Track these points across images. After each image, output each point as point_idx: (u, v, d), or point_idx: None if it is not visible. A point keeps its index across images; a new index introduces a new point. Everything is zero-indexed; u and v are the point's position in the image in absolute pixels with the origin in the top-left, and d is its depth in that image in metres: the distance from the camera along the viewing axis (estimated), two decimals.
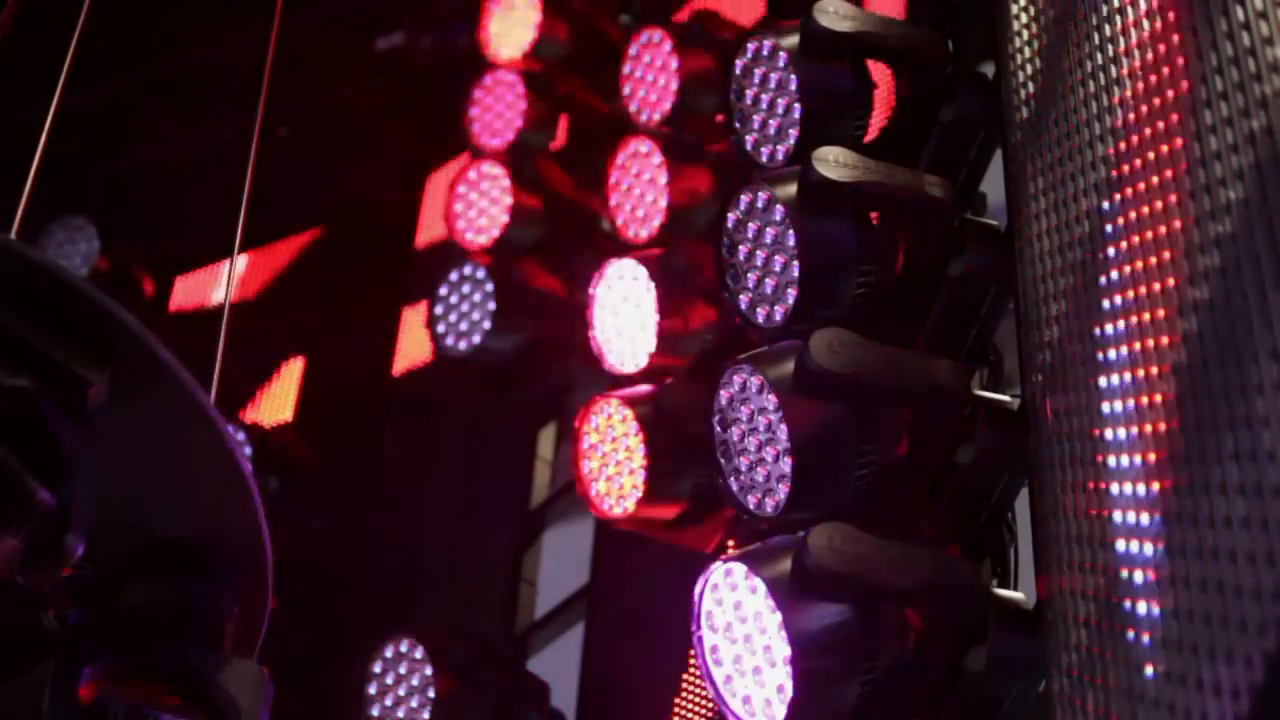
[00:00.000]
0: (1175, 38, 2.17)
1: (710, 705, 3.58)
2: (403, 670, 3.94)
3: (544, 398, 4.77)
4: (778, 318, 2.81)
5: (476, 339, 4.53)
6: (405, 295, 5.31)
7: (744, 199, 2.86)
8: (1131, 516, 2.07)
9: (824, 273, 2.77)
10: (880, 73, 2.99)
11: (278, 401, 5.31)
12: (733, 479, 2.72)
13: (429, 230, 5.39)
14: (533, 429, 4.78)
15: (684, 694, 3.68)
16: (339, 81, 6.01)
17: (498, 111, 4.85)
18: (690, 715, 3.64)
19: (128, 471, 2.03)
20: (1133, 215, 2.22)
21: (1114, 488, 2.13)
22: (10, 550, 1.89)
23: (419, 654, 3.93)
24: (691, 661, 3.64)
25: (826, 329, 2.62)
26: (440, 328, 4.58)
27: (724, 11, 4.44)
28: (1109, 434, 2.18)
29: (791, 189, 2.78)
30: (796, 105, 2.96)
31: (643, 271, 3.78)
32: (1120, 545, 2.09)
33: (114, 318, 1.98)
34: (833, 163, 2.75)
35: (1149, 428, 2.06)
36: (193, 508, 2.14)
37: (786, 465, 2.63)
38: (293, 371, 5.44)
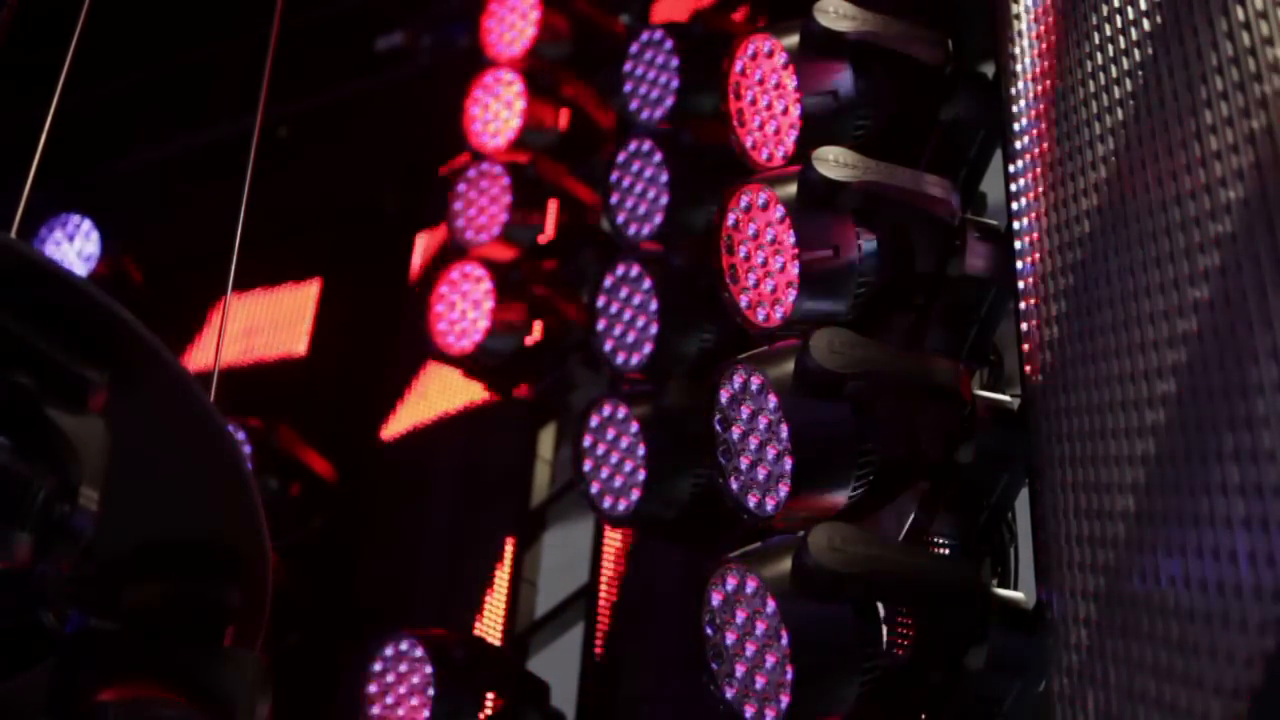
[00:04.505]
0: (1175, 37, 2.17)
1: (710, 705, 3.57)
2: (403, 670, 3.94)
3: (544, 398, 4.77)
4: (778, 318, 2.81)
5: (476, 338, 4.52)
6: (405, 294, 5.30)
7: (744, 199, 2.86)
8: (1131, 516, 2.07)
9: (823, 272, 2.77)
10: (880, 73, 2.99)
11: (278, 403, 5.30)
12: (733, 479, 2.72)
13: (429, 230, 5.39)
14: (533, 429, 4.78)
15: (684, 693, 3.68)
16: (339, 81, 6.01)
17: (497, 111, 4.84)
18: (690, 715, 3.64)
19: (128, 470, 2.03)
20: (1132, 214, 2.22)
21: (1114, 488, 2.13)
22: (22, 544, 1.90)
23: (419, 654, 3.92)
24: (691, 661, 3.63)
25: (826, 329, 2.62)
26: (441, 325, 4.57)
27: (724, 11, 4.44)
28: (1109, 434, 2.18)
29: (791, 188, 2.78)
30: (796, 105, 2.96)
31: (643, 271, 3.77)
32: (1120, 545, 2.09)
33: (114, 317, 1.98)
34: (833, 162, 2.75)
35: (1149, 427, 2.06)
36: (193, 506, 2.15)
37: (787, 465, 2.62)
38: (294, 369, 5.45)
